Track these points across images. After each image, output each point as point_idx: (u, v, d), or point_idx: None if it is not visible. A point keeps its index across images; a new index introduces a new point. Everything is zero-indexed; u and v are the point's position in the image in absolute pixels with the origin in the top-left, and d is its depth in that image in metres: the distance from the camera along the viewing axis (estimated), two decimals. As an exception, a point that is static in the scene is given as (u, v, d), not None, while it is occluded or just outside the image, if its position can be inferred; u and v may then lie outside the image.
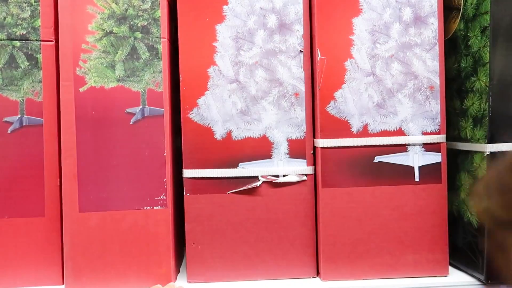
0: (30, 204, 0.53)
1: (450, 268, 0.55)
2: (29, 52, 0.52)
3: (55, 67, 0.52)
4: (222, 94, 0.53)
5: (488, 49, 0.52)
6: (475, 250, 0.54)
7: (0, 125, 0.52)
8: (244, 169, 0.53)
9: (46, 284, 0.53)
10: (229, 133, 0.53)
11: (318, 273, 0.54)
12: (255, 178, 0.53)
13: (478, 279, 0.52)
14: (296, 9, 0.54)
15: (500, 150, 0.52)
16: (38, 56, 0.52)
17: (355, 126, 0.54)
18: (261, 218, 0.53)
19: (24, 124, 0.52)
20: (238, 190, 0.53)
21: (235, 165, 0.53)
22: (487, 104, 0.52)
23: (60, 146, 0.52)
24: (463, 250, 0.56)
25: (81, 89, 0.52)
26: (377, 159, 0.54)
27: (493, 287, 0.51)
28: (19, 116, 0.52)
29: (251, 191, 0.53)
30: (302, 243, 0.54)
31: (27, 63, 0.52)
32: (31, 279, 0.53)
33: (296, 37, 0.54)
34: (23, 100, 0.52)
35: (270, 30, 0.54)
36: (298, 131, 0.54)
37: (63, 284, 0.53)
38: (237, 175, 0.53)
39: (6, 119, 0.52)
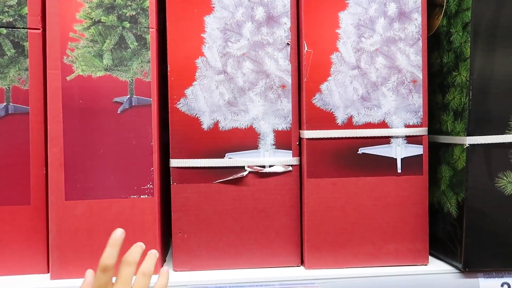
0: (16, 192, 0.53)
1: (430, 257, 0.57)
2: (16, 40, 0.51)
3: (42, 55, 0.52)
4: (209, 85, 0.54)
5: (469, 44, 0.54)
6: (454, 240, 0.55)
7: (-14, 112, 0.51)
8: (231, 159, 0.54)
9: (31, 273, 0.53)
10: (216, 124, 0.54)
11: (302, 262, 0.55)
12: (242, 168, 0.54)
13: (456, 267, 0.54)
14: (284, 2, 0.55)
15: (479, 143, 0.53)
16: (24, 44, 0.52)
17: (340, 118, 0.55)
18: (247, 208, 0.54)
19: (9, 112, 0.52)
20: (224, 180, 0.54)
21: (222, 155, 0.54)
22: (467, 98, 0.54)
23: (47, 134, 0.52)
24: (442, 240, 0.58)
25: (68, 78, 0.52)
26: (361, 150, 0.55)
27: (470, 274, 0.53)
28: (4, 103, 0.52)
29: (238, 181, 0.54)
30: (287, 232, 0.55)
31: (14, 51, 0.51)
32: (16, 267, 0.53)
33: (284, 30, 0.55)
34: (9, 88, 0.52)
35: (258, 22, 0.54)
36: (284, 123, 0.55)
37: (48, 272, 0.53)
38: (224, 165, 0.54)
39: (-9, 106, 0.52)
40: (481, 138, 0.53)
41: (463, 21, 0.55)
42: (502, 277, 0.53)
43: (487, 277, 0.53)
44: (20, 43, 0.51)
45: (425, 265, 0.55)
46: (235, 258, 0.54)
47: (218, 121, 0.54)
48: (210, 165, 0.54)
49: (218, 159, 0.54)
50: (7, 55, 0.51)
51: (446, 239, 0.57)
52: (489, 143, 0.53)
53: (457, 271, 0.53)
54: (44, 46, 0.52)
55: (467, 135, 0.54)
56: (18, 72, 0.52)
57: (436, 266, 0.55)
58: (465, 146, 0.54)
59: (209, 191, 0.54)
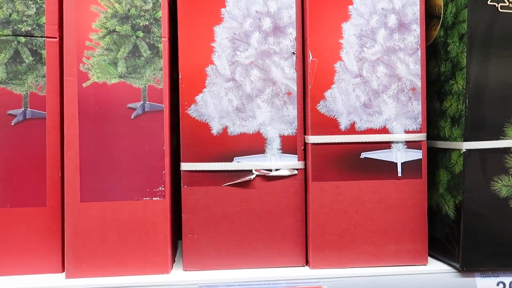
0: (32, 194, 0.55)
1: (429, 258, 0.59)
2: (34, 48, 0.54)
3: (59, 62, 0.55)
4: (219, 92, 0.56)
5: (465, 54, 0.57)
6: (452, 241, 0.58)
7: (4, 117, 0.54)
8: (239, 163, 0.56)
9: (46, 272, 0.55)
10: (225, 129, 0.56)
11: (307, 262, 0.58)
12: (249, 171, 0.56)
13: (454, 267, 0.57)
14: (290, 14, 0.58)
15: (475, 148, 0.56)
16: (42, 52, 0.54)
17: (343, 124, 0.58)
18: (254, 210, 0.56)
19: (27, 117, 0.54)
20: (233, 182, 0.56)
21: (230, 159, 0.56)
22: (464, 105, 0.56)
23: (63, 138, 0.54)
24: (441, 241, 0.60)
25: (84, 84, 0.54)
26: (363, 155, 0.57)
27: (467, 274, 0.56)
28: (22, 109, 0.54)
29: (245, 184, 0.56)
30: (292, 233, 0.57)
31: (32, 59, 0.54)
32: (31, 267, 0.55)
33: (289, 40, 0.58)
34: (27, 94, 0.54)
35: (265, 32, 0.57)
36: (290, 128, 0.58)
37: (62, 271, 0.55)
38: (232, 169, 0.56)
39: (10, 111, 0.54)
40: (477, 143, 0.56)
41: (460, 32, 0.58)
42: (498, 276, 0.55)
43: (483, 277, 0.55)
44: (38, 51, 0.54)
45: (424, 265, 0.58)
46: (242, 258, 0.56)
47: (227, 126, 0.56)
48: (219, 169, 0.56)
49: (226, 163, 0.56)
50: (25, 62, 0.53)
51: (444, 240, 0.60)
52: (484, 148, 0.56)
53: (455, 270, 0.56)
54: (61, 54, 0.54)
55: (463, 141, 0.56)
56: (35, 79, 0.54)
57: (435, 266, 0.58)
58: (462, 151, 0.56)
59: (218, 194, 0.56)
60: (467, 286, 0.54)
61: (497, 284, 0.55)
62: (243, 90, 0.57)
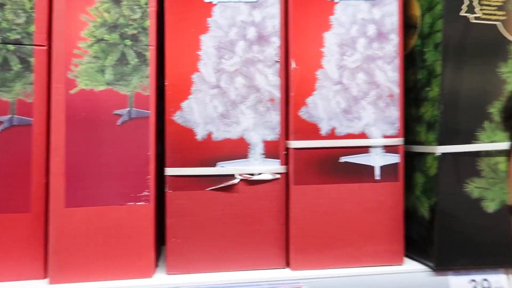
0: (16, 200, 0.55)
1: (406, 258, 0.62)
2: (22, 56, 0.55)
3: (47, 70, 0.56)
4: (204, 99, 0.58)
5: (440, 63, 0.59)
6: (427, 241, 0.61)
7: (-9, 123, 0.54)
8: (223, 168, 0.58)
9: (28, 278, 0.56)
10: (209, 135, 0.58)
11: (288, 264, 0.59)
12: (232, 176, 0.58)
13: (429, 266, 0.59)
14: (274, 23, 0.60)
15: (449, 152, 0.59)
16: (30, 59, 0.55)
17: (324, 129, 0.60)
18: (237, 214, 0.58)
19: (14, 124, 0.55)
20: (216, 187, 0.58)
21: (214, 164, 0.58)
22: (439, 111, 0.59)
23: (49, 145, 0.55)
24: (416, 242, 0.63)
25: (71, 91, 0.55)
26: (343, 159, 0.60)
27: (441, 272, 0.58)
28: (9, 116, 0.55)
29: (229, 189, 0.58)
30: (274, 236, 0.59)
31: (20, 66, 0.55)
32: (13, 273, 0.55)
33: (273, 48, 0.60)
34: (14, 100, 0.55)
35: (250, 41, 0.59)
36: (273, 133, 0.59)
37: (45, 278, 0.56)
38: (216, 173, 0.58)
39: (-3, 118, 0.54)
40: (451, 147, 0.59)
41: (435, 42, 0.61)
42: (470, 274, 0.58)
43: (456, 275, 0.58)
44: (26, 58, 0.55)
45: (400, 265, 0.60)
46: (226, 261, 0.58)
47: (211, 132, 0.58)
48: (203, 173, 0.58)
49: (210, 168, 0.58)
50: (13, 70, 0.54)
51: (419, 240, 0.62)
52: (458, 152, 0.59)
53: (429, 269, 0.58)
54: (49, 61, 0.55)
55: (438, 145, 0.59)
56: (23, 86, 0.55)
57: (411, 265, 0.60)
58: (437, 155, 0.59)
59: (202, 198, 0.57)
60: (441, 284, 0.57)
61: (469, 282, 0.58)
62: (227, 96, 0.59)
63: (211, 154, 0.58)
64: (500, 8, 0.60)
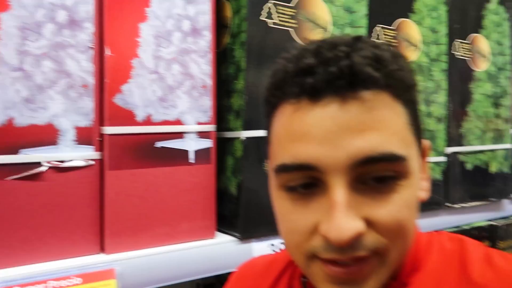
0: None
1: (218, 233, 0.69)
2: None
3: None
4: (3, 82, 0.54)
5: (245, 59, 0.68)
6: (235, 215, 0.69)
7: None
8: (26, 155, 0.55)
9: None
10: (10, 120, 0.55)
11: (103, 249, 0.60)
12: (39, 164, 0.56)
13: (236, 237, 0.67)
14: (87, 8, 0.59)
15: (252, 136, 0.68)
16: None
17: (140, 116, 0.62)
18: (46, 203, 0.56)
19: None
20: (19, 176, 0.55)
21: (16, 152, 0.55)
22: (244, 101, 0.68)
23: None
24: (227, 217, 0.71)
25: None
26: (158, 144, 0.63)
27: (246, 241, 0.67)
28: None
29: (35, 177, 0.55)
30: (87, 223, 0.59)
31: None
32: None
33: (86, 34, 0.59)
34: None
35: (60, 25, 0.57)
36: (86, 120, 0.59)
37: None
38: (19, 161, 0.55)
39: None
40: (253, 132, 0.68)
41: (241, 41, 0.69)
42: (269, 239, 0.68)
43: (258, 241, 0.67)
44: None
45: (212, 238, 0.67)
46: (31, 253, 0.55)
47: (13, 117, 0.55)
48: (3, 162, 0.54)
49: (11, 155, 0.54)
50: None
51: (229, 215, 0.70)
52: (259, 136, 0.68)
53: (236, 240, 0.66)
54: None
55: (243, 130, 0.67)
56: None
57: (221, 238, 0.67)
58: (242, 139, 0.67)
59: (2, 188, 0.54)
60: (246, 250, 0.65)
61: (269, 246, 0.67)
62: (33, 80, 0.56)
63: (12, 141, 0.54)
64: (292, 17, 0.72)
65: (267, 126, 0.40)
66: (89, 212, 0.59)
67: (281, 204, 0.37)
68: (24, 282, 0.50)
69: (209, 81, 0.68)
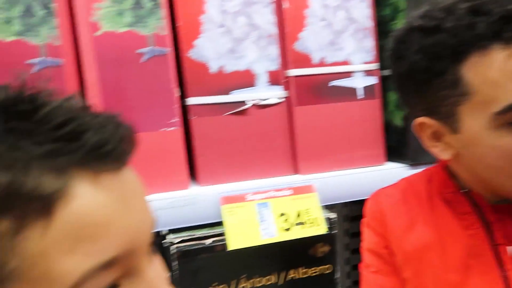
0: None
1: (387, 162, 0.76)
2: (45, 2, 0.59)
3: (70, 15, 0.61)
4: (214, 37, 0.66)
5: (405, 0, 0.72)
6: (402, 144, 0.75)
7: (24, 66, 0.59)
8: (235, 95, 0.67)
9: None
10: (221, 68, 0.67)
11: (297, 171, 0.71)
12: (243, 102, 0.68)
13: (406, 163, 0.74)
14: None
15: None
16: (52, 5, 0.60)
17: (315, 59, 0.71)
18: (251, 133, 0.69)
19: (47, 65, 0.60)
20: (232, 111, 0.67)
21: (227, 93, 0.67)
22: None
23: (81, 83, 0.61)
24: (393, 148, 0.77)
25: (95, 34, 0.61)
26: (331, 83, 0.72)
27: (415, 167, 0.73)
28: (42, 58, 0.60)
29: (242, 113, 0.68)
30: (283, 149, 0.70)
31: (43, 12, 0.59)
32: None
33: (266, -9, 0.69)
34: (43, 44, 0.60)
35: (248, -16, 0.68)
36: (274, 64, 0.70)
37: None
38: (230, 101, 0.67)
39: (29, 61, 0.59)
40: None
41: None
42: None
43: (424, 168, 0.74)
44: (48, 5, 0.59)
45: (382, 165, 0.75)
46: (245, 172, 0.69)
47: (223, 65, 0.67)
48: (219, 101, 0.67)
49: (224, 95, 0.67)
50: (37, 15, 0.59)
51: (396, 146, 0.77)
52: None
53: (406, 165, 0.73)
54: (71, 7, 0.60)
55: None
56: (49, 30, 0.60)
57: (392, 165, 0.75)
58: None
59: (221, 122, 0.67)
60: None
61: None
62: (233, 34, 0.67)
63: (224, 84, 0.67)
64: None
65: (433, 74, 0.46)
66: (284, 141, 0.70)
67: (508, 142, 0.43)
68: (252, 191, 0.64)
69: (371, 23, 0.74)
